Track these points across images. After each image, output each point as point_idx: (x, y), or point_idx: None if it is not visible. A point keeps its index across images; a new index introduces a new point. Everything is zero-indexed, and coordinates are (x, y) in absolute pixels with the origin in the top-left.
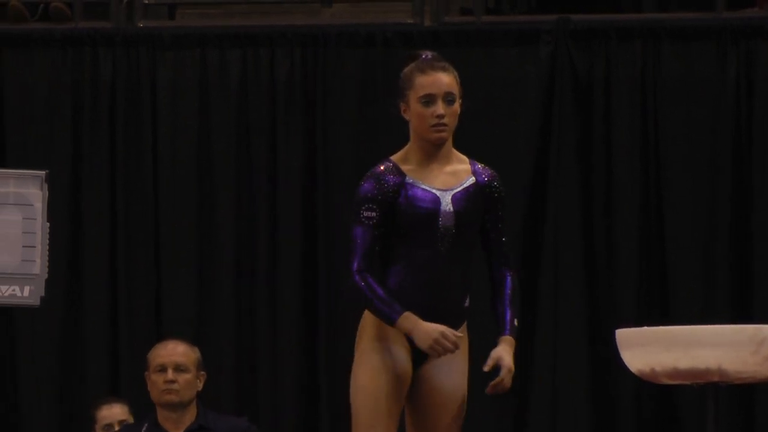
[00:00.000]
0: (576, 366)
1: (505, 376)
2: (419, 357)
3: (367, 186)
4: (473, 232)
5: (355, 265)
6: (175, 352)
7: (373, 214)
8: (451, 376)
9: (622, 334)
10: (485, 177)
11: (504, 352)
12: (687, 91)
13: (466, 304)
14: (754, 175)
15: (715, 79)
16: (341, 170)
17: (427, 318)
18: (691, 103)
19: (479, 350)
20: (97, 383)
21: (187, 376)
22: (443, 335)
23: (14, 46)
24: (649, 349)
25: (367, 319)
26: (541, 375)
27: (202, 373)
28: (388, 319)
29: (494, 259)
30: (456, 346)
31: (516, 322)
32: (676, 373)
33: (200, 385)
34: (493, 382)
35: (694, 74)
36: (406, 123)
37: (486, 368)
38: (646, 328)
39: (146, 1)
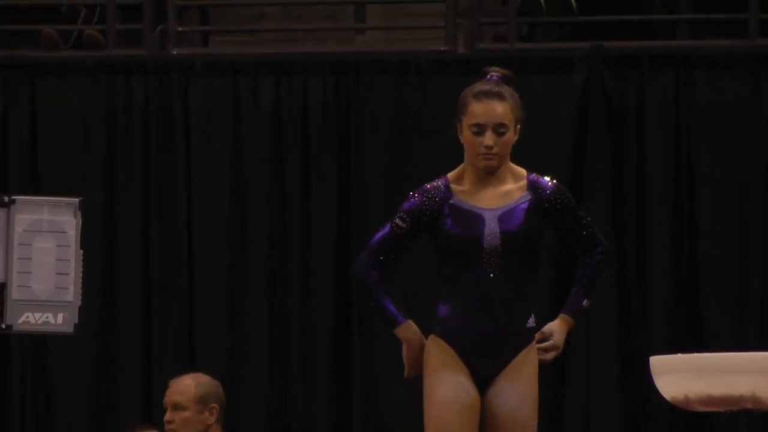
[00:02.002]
0: (609, 393)
1: (546, 347)
2: (482, 383)
3: (411, 199)
4: (531, 251)
5: (365, 258)
6: (173, 390)
7: (404, 225)
8: (508, 401)
9: (656, 362)
10: (544, 190)
11: (556, 328)
12: (720, 118)
13: (530, 324)
14: None
15: (748, 106)
16: (374, 197)
17: (480, 339)
18: (724, 130)
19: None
20: (130, 410)
21: (185, 414)
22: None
23: (48, 73)
24: (683, 376)
25: (431, 349)
26: (574, 401)
27: (213, 406)
28: (387, 325)
29: (582, 248)
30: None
31: (586, 304)
32: (709, 400)
33: (211, 418)
34: (538, 345)
35: (727, 101)
36: (439, 149)
37: (536, 337)
38: (679, 355)
39: (179, 29)
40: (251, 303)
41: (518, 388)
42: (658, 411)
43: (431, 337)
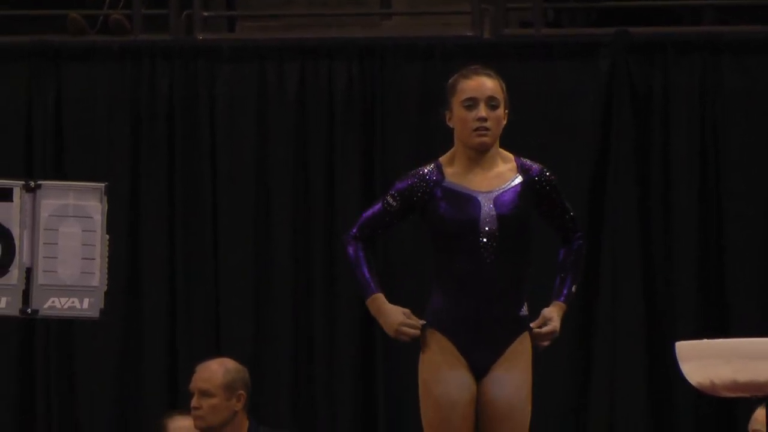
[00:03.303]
0: (635, 378)
1: (547, 331)
2: (478, 372)
3: (404, 180)
4: (524, 235)
5: (353, 230)
6: (200, 377)
7: (395, 203)
8: (504, 389)
9: (682, 347)
10: (532, 173)
11: (554, 313)
12: (746, 103)
13: (523, 312)
14: None
15: None
16: None
17: (476, 328)
18: (750, 115)
19: (538, 358)
20: (155, 396)
21: (213, 401)
22: (404, 323)
23: (73, 58)
24: (709, 362)
25: (428, 344)
26: (600, 387)
27: (241, 393)
28: (362, 295)
29: (564, 232)
30: (417, 329)
31: (574, 289)
32: (735, 385)
33: (238, 405)
34: (537, 330)
35: (754, 87)
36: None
37: (534, 325)
38: (705, 340)
39: (205, 14)
40: (276, 289)
41: (514, 376)
42: (684, 397)
43: (427, 329)
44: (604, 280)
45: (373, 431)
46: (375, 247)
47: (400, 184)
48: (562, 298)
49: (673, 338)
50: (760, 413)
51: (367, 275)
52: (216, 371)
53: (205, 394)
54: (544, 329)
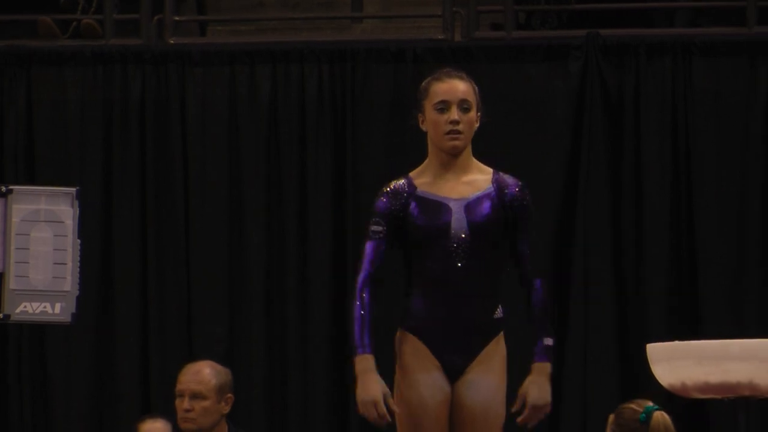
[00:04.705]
0: (606, 380)
1: (529, 412)
2: (452, 375)
3: (377, 201)
4: (495, 242)
5: (360, 281)
6: (193, 379)
7: (380, 228)
8: (480, 393)
9: (653, 349)
10: (509, 187)
11: (531, 386)
12: (718, 106)
13: (498, 315)
14: None
15: (746, 93)
16: (371, 185)
17: (450, 331)
18: (721, 117)
19: (514, 361)
20: (128, 400)
21: (205, 404)
22: (377, 406)
23: (45, 63)
24: (680, 364)
25: (402, 347)
26: (572, 389)
27: (229, 396)
28: (353, 347)
29: (524, 269)
30: (382, 420)
31: (548, 341)
32: (707, 387)
33: (226, 408)
34: (519, 419)
35: (725, 89)
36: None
37: (513, 409)
38: (676, 342)
39: (176, 18)
40: (249, 291)
41: (489, 380)
42: (656, 398)
43: (400, 331)
44: (576, 282)
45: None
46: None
47: (375, 208)
48: (536, 358)
49: (645, 341)
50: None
51: (367, 335)
52: (208, 374)
53: (197, 396)
54: (521, 417)
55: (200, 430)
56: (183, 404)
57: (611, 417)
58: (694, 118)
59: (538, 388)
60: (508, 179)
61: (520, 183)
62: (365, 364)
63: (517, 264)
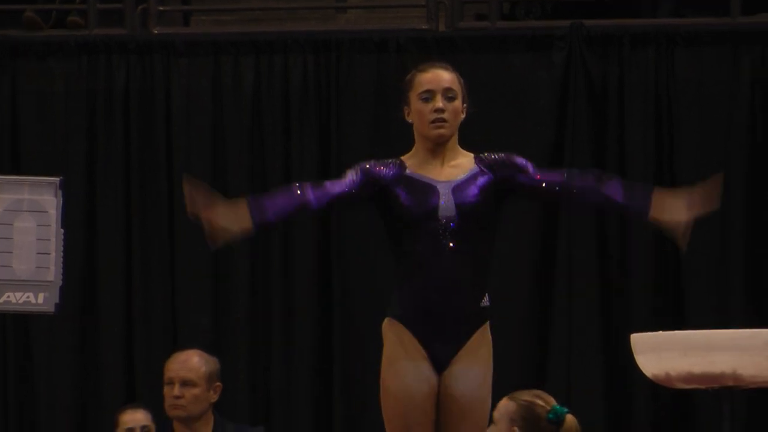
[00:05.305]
0: (591, 371)
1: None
2: (439, 365)
3: (367, 161)
4: (484, 226)
5: (317, 184)
6: (184, 366)
7: (356, 178)
8: (468, 384)
9: (637, 339)
10: (487, 158)
11: (668, 221)
12: (701, 96)
13: (484, 303)
14: None
15: (730, 84)
16: None
17: (438, 320)
18: (705, 108)
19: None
20: (113, 390)
21: (195, 391)
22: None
23: (29, 54)
24: (664, 354)
25: (388, 335)
26: (556, 380)
27: (217, 384)
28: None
29: (558, 185)
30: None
31: (636, 194)
32: (691, 377)
33: (215, 397)
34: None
35: (709, 79)
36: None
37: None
38: (660, 333)
39: (160, 8)
40: (233, 282)
41: (476, 370)
42: (640, 388)
43: (388, 320)
44: (560, 272)
45: (330, 424)
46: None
47: (365, 164)
48: (647, 206)
49: (629, 330)
50: (503, 403)
51: (266, 201)
52: (198, 361)
53: (188, 383)
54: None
55: (189, 417)
56: (173, 391)
57: (511, 405)
58: (678, 108)
59: (678, 209)
60: (489, 154)
61: (494, 152)
62: (238, 202)
63: (545, 187)
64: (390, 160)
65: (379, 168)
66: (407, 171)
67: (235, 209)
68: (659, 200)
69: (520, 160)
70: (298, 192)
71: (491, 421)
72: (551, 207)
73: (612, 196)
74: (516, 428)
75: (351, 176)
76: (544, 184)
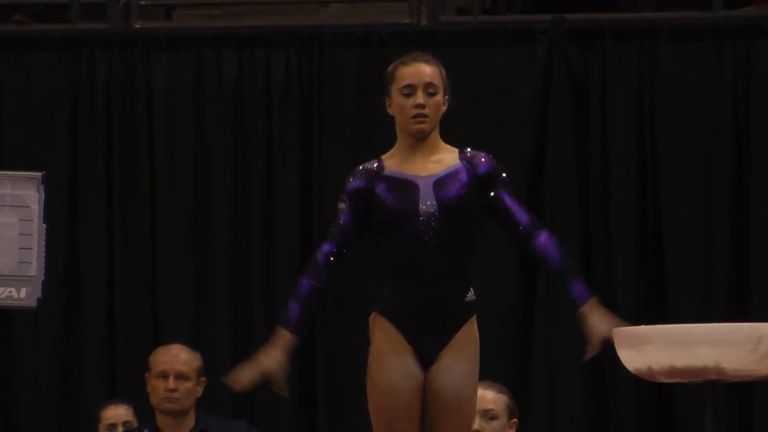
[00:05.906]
0: (573, 365)
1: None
2: (425, 360)
3: (347, 182)
4: (466, 221)
5: (318, 255)
6: (177, 359)
7: (343, 205)
8: (454, 380)
9: (620, 333)
10: (479, 161)
11: (595, 319)
12: (684, 90)
13: (470, 298)
14: (752, 173)
15: (712, 78)
16: (338, 170)
17: (423, 316)
18: (688, 102)
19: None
20: (95, 384)
21: (188, 385)
22: (250, 370)
23: (10, 47)
24: (647, 348)
25: (374, 330)
26: (539, 374)
27: (203, 379)
28: (280, 319)
29: (522, 228)
30: (237, 385)
31: (581, 280)
32: (673, 371)
33: (200, 392)
34: (587, 357)
35: (691, 73)
36: None
37: (589, 356)
38: (643, 326)
39: (143, 2)
40: (215, 276)
41: (462, 365)
42: (622, 382)
43: (374, 315)
44: (543, 269)
45: (313, 417)
46: (342, 263)
47: (346, 187)
48: (584, 301)
49: None
50: (497, 397)
51: (295, 312)
52: (191, 355)
53: (181, 377)
54: (590, 353)
55: (181, 410)
56: (168, 384)
57: (503, 397)
58: (661, 102)
59: (606, 320)
60: (476, 153)
61: (484, 153)
62: (280, 340)
63: (512, 223)
64: (368, 164)
65: (360, 183)
66: (386, 171)
67: (274, 350)
68: (594, 304)
69: (503, 177)
70: (304, 284)
71: (491, 416)
72: (533, 201)
73: (561, 270)
74: (515, 420)
75: (343, 215)
76: (513, 215)
